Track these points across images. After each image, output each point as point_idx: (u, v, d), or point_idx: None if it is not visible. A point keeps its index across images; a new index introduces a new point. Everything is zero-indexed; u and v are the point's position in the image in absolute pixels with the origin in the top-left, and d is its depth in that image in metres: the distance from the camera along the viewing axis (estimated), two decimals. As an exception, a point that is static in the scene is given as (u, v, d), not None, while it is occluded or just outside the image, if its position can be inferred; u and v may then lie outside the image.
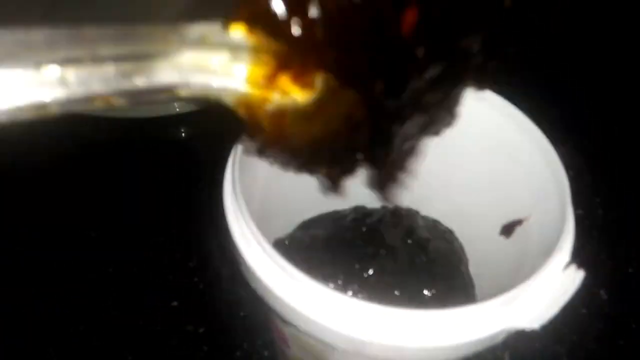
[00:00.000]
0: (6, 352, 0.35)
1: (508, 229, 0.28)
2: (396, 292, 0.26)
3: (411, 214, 0.31)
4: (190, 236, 0.43)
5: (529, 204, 0.26)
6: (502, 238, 0.28)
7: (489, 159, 0.29)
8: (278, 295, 0.20)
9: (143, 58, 0.15)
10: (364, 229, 0.29)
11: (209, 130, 0.52)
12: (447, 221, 0.33)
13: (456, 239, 0.32)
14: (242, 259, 0.22)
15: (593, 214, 0.46)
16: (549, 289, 0.20)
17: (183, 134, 0.53)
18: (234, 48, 0.16)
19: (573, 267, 0.21)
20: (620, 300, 0.40)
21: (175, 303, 0.38)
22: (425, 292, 0.26)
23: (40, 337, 0.36)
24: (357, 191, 0.28)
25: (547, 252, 0.22)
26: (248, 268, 0.22)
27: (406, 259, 0.27)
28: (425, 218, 0.32)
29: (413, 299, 0.26)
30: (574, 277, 0.21)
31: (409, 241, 0.28)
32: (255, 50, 0.16)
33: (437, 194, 0.32)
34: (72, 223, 0.43)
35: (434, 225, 0.32)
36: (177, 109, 0.53)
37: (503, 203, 0.29)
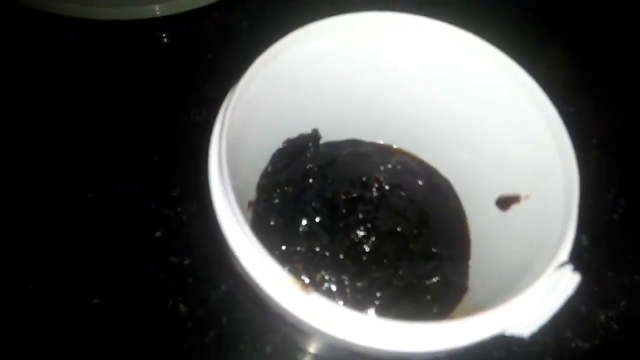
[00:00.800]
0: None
1: (504, 202, 0.26)
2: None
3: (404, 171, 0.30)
4: (175, 163, 0.41)
5: (530, 181, 0.25)
6: (497, 210, 0.27)
7: (495, 121, 0.27)
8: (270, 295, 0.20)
9: None
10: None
11: (193, 35, 0.49)
12: (446, 173, 0.32)
13: (454, 195, 0.31)
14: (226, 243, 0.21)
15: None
16: (541, 297, 0.20)
17: (165, 40, 0.49)
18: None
19: (568, 270, 0.21)
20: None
21: (159, 233, 0.38)
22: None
23: (20, 273, 0.36)
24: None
25: (544, 244, 0.22)
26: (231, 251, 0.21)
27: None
28: (424, 164, 0.32)
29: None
30: (568, 281, 0.20)
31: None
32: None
33: (439, 142, 0.31)
34: (44, 148, 0.41)
35: (431, 177, 0.31)
36: (158, 12, 0.48)
37: (503, 171, 0.27)
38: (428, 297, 0.25)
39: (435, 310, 0.25)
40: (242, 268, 0.20)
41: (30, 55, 0.46)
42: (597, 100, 0.49)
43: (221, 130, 0.23)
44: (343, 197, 0.29)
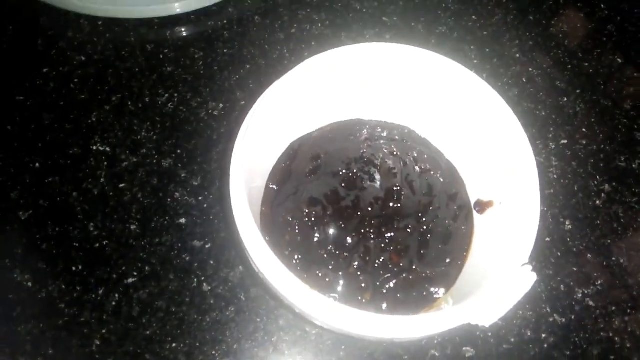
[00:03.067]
0: None
1: (481, 207, 0.30)
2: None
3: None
4: (195, 155, 0.45)
5: (499, 189, 0.29)
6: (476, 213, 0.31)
7: (471, 132, 0.31)
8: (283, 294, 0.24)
9: None
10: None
11: (211, 33, 0.52)
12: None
13: (447, 162, 0.34)
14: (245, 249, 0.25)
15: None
16: (502, 290, 0.24)
17: (184, 35, 0.52)
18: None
19: (528, 269, 0.25)
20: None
21: (182, 220, 0.43)
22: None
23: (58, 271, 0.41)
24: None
25: (510, 246, 0.26)
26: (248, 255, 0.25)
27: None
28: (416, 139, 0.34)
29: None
30: (527, 280, 0.24)
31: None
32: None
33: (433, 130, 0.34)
34: (81, 138, 0.45)
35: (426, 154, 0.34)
36: (178, 9, 0.51)
37: (481, 179, 0.31)
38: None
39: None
40: (255, 266, 0.25)
41: (69, 55, 0.50)
42: (590, 91, 0.52)
43: (243, 140, 0.26)
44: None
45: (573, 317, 0.41)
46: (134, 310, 0.39)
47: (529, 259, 0.26)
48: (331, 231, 0.28)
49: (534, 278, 0.25)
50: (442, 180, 0.31)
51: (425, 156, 0.32)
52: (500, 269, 0.25)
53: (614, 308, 0.42)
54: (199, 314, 0.39)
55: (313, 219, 0.28)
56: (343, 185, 0.30)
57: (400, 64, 0.31)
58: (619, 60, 0.54)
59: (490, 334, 0.40)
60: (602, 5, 0.58)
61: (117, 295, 0.39)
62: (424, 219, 0.29)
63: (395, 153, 0.32)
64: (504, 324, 0.40)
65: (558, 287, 0.42)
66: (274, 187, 0.32)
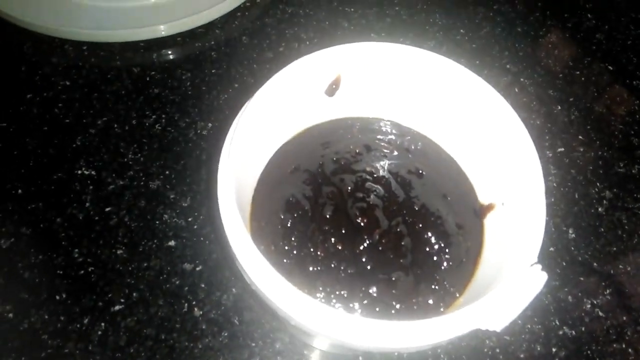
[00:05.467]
0: None
1: (482, 211, 0.29)
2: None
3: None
4: (184, 175, 0.44)
5: (502, 190, 0.28)
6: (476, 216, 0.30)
7: (472, 134, 0.30)
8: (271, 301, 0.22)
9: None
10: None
11: (198, 54, 0.51)
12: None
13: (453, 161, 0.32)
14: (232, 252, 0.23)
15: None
16: (512, 292, 0.22)
17: (170, 57, 0.52)
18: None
19: (537, 268, 0.23)
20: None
21: (172, 242, 0.41)
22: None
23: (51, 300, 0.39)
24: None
25: (516, 247, 0.24)
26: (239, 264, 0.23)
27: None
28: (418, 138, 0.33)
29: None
30: (538, 279, 0.23)
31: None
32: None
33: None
34: (67, 161, 0.44)
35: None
36: (163, 32, 0.51)
37: (483, 180, 0.30)
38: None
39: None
40: (248, 278, 0.23)
41: (53, 80, 0.49)
42: (583, 98, 0.52)
43: (229, 149, 0.25)
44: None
45: (583, 328, 0.40)
46: (121, 340, 0.37)
47: (538, 258, 0.24)
48: (329, 234, 0.26)
49: (544, 277, 0.23)
50: (448, 180, 0.29)
51: (428, 154, 0.31)
52: (509, 270, 0.23)
53: (625, 318, 0.40)
54: (190, 340, 0.37)
55: (306, 222, 0.27)
56: (339, 184, 0.28)
57: (397, 64, 0.30)
58: (610, 68, 0.54)
59: (498, 350, 0.38)
60: (589, 15, 0.58)
61: (103, 324, 0.37)
62: (428, 221, 0.27)
63: (394, 152, 0.31)
64: (512, 339, 0.39)
65: (566, 298, 0.41)
66: (264, 196, 0.30)
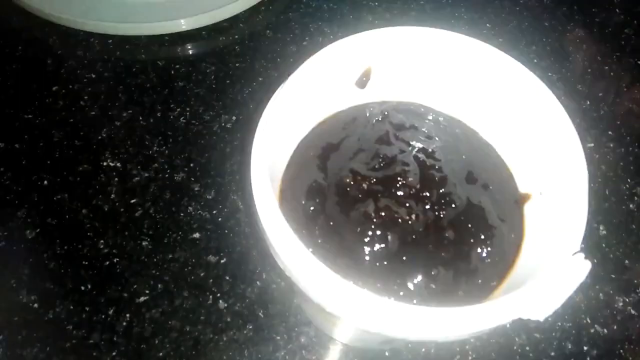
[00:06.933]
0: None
1: (521, 199, 0.28)
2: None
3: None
4: (208, 168, 0.44)
5: (541, 179, 0.27)
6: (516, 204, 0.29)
7: (508, 122, 0.29)
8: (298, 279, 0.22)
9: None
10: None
11: (222, 48, 0.51)
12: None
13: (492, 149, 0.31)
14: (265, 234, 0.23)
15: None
16: (555, 281, 0.22)
17: (191, 52, 0.52)
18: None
19: (581, 257, 0.23)
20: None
21: (196, 235, 0.41)
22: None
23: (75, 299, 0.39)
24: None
25: (558, 236, 0.24)
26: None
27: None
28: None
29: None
30: (581, 268, 0.22)
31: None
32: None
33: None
34: (91, 153, 0.44)
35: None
36: (184, 26, 0.51)
37: (521, 169, 0.29)
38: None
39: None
40: (283, 264, 0.23)
41: (79, 73, 0.50)
42: (612, 94, 0.50)
43: (262, 134, 0.25)
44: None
45: (615, 327, 0.39)
46: (146, 331, 0.36)
47: (580, 247, 0.23)
48: (368, 208, 0.25)
49: (588, 266, 0.22)
50: (488, 169, 0.29)
51: (467, 141, 0.30)
52: (551, 259, 0.23)
53: (658, 316, 0.39)
54: (215, 333, 0.37)
55: (348, 198, 0.26)
56: (380, 161, 0.28)
57: (431, 49, 0.30)
58: (639, 63, 0.53)
59: (528, 348, 0.37)
60: (617, 10, 0.57)
61: (128, 315, 0.37)
62: (470, 213, 0.26)
63: (434, 139, 0.30)
64: (542, 336, 0.38)
65: (597, 296, 0.40)
66: (293, 179, 0.29)
